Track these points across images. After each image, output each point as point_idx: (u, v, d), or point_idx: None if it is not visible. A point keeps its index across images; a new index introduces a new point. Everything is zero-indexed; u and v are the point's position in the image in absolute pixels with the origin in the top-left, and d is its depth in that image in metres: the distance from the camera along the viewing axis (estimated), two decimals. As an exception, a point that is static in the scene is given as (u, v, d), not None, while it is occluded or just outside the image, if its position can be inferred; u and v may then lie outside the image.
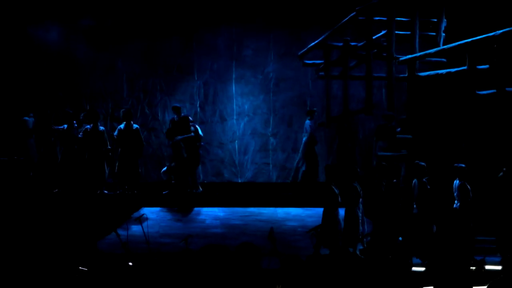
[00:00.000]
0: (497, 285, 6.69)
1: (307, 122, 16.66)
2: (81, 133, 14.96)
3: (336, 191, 11.95)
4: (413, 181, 12.22)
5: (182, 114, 15.86)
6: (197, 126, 15.85)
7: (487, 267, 7.98)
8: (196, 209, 15.43)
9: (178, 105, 16.25)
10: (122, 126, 15.15)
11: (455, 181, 12.14)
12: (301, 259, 6.73)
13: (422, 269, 8.52)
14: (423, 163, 12.19)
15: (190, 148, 15.29)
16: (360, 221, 11.95)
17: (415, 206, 12.13)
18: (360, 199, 12.03)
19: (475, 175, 12.30)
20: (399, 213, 12.06)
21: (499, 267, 7.68)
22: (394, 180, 12.30)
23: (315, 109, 16.80)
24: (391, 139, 14.64)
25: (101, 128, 15.15)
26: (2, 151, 15.99)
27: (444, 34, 14.91)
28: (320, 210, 12.38)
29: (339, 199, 12.00)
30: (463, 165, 12.00)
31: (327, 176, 12.43)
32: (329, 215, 11.83)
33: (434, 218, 11.96)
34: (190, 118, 15.84)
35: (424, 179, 12.17)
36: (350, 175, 12.17)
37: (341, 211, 12.14)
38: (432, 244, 11.35)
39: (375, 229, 12.04)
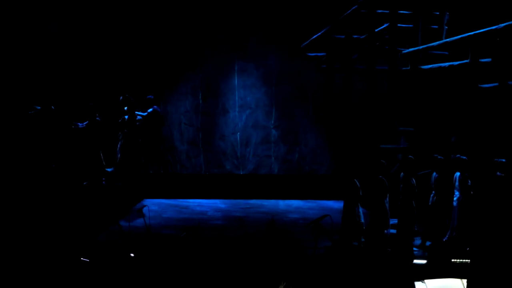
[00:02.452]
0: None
1: None
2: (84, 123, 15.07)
3: (358, 184, 11.66)
4: (455, 175, 12.08)
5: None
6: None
7: None
8: (198, 200, 15.49)
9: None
10: (126, 117, 15.23)
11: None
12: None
13: (424, 261, 8.54)
14: (464, 157, 12.07)
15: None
16: (388, 214, 11.64)
17: (455, 198, 11.99)
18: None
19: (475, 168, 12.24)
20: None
21: None
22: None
23: None
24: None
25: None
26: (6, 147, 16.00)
27: (446, 27, 14.88)
28: (321, 203, 12.39)
29: (361, 193, 11.70)
30: (504, 160, 11.84)
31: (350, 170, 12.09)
32: (351, 210, 11.57)
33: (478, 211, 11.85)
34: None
35: (466, 174, 12.03)
36: (376, 168, 11.86)
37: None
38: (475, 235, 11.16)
39: (401, 222, 11.75)
